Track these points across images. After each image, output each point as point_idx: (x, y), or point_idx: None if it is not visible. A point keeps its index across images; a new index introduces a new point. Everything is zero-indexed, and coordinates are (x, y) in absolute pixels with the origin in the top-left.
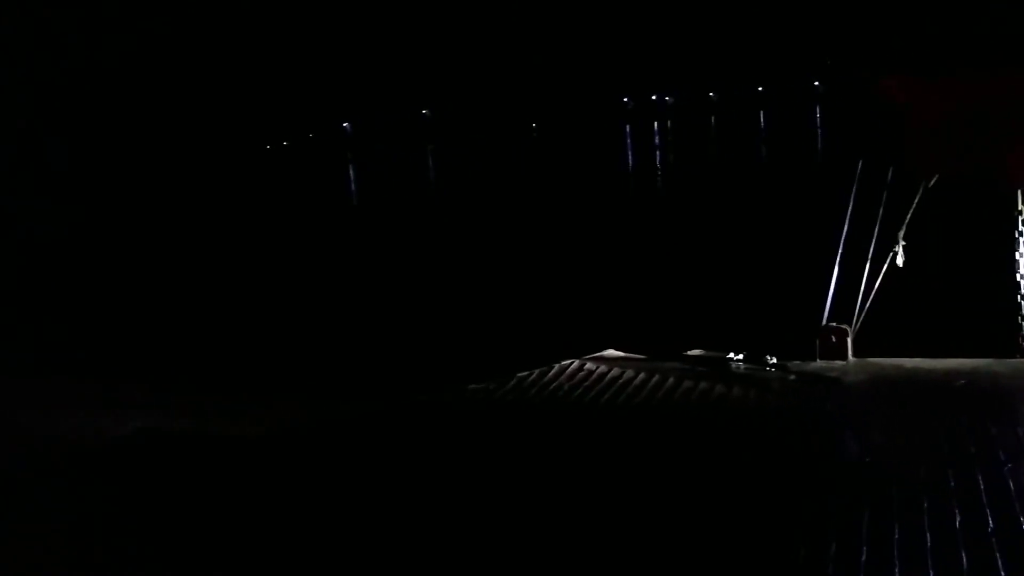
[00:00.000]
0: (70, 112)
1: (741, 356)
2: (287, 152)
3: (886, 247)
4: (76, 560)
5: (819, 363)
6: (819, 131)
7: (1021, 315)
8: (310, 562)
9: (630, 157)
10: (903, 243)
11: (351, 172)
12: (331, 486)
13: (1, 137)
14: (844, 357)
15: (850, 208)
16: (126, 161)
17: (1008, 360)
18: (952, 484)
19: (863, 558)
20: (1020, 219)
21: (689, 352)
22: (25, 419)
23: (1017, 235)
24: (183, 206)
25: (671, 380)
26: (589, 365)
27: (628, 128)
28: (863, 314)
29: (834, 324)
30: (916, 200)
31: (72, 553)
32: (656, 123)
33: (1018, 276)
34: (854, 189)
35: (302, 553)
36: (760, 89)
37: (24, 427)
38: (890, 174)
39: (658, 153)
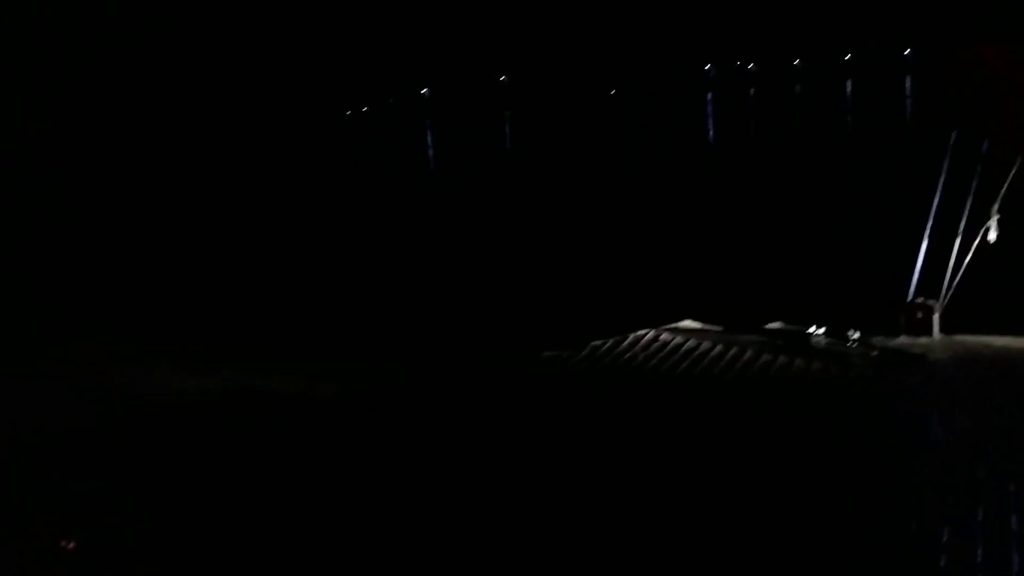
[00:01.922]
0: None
1: (823, 330)
2: (367, 117)
3: (978, 221)
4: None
5: (904, 339)
6: (909, 101)
7: None
8: (379, 521)
9: (712, 126)
10: (997, 217)
11: (429, 138)
12: (402, 450)
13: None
14: (930, 334)
15: (942, 180)
16: (209, 121)
17: None
18: None
19: (944, 539)
20: None
21: (769, 325)
22: (118, 376)
23: None
24: (267, 169)
25: (749, 353)
26: (665, 335)
27: (710, 96)
28: (951, 290)
29: (921, 299)
30: (1012, 173)
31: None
32: (739, 91)
33: None
34: (947, 160)
35: (372, 512)
36: (848, 57)
37: (117, 384)
38: (984, 145)
39: (741, 122)
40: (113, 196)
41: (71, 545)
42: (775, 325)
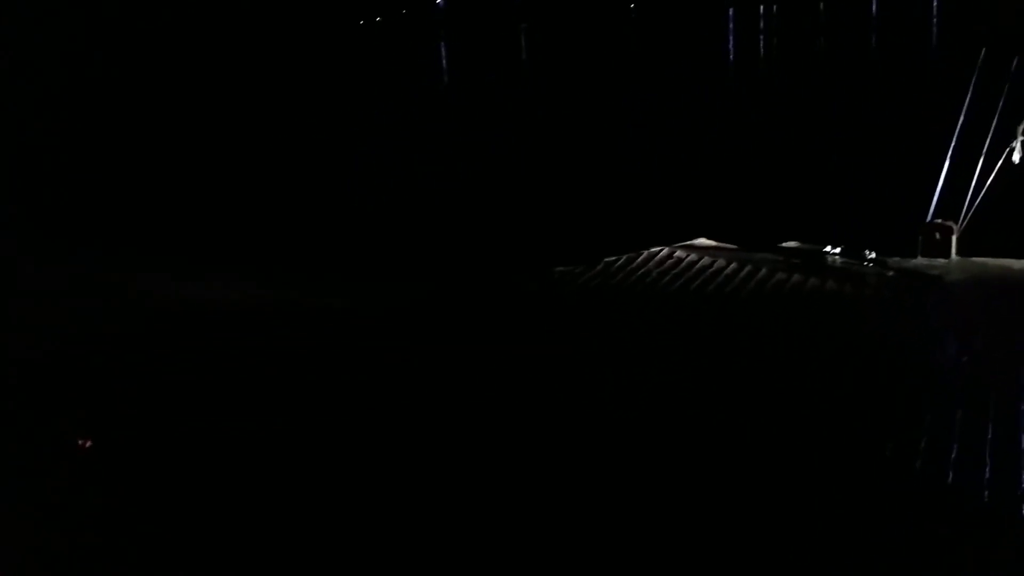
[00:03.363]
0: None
1: (838, 249)
2: (379, 29)
3: (1003, 142)
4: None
5: (921, 260)
6: (936, 19)
7: None
8: (392, 444)
9: (732, 44)
10: (1022, 138)
11: (442, 51)
12: (414, 367)
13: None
14: (947, 255)
15: (967, 99)
16: (220, 40)
17: None
18: None
19: (953, 455)
20: None
21: (784, 244)
22: (145, 284)
23: None
24: (279, 88)
25: (763, 271)
26: (679, 253)
27: (731, 12)
28: (971, 211)
29: (939, 220)
30: None
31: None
32: (761, 7)
33: None
34: (973, 79)
35: (387, 435)
36: None
37: (144, 291)
38: (1014, 64)
39: (762, 39)
40: (129, 117)
41: (87, 443)
42: (790, 244)
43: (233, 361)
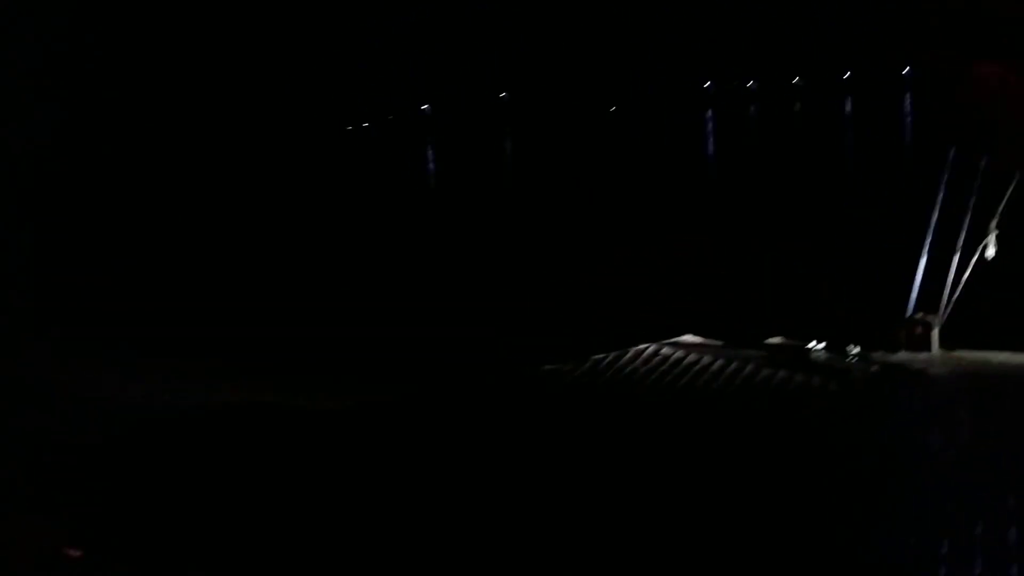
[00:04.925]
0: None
1: (823, 345)
2: (368, 134)
3: (977, 237)
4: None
5: (903, 355)
6: (908, 118)
7: None
8: (381, 527)
9: (711, 142)
10: (995, 233)
11: (430, 154)
12: (403, 462)
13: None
14: (929, 349)
15: (940, 196)
16: (213, 133)
17: None
18: None
19: (944, 551)
20: None
21: (769, 340)
22: (114, 387)
23: None
24: (265, 187)
25: (749, 367)
26: (666, 350)
27: (710, 113)
28: (950, 305)
29: (920, 315)
30: (1010, 190)
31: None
32: (739, 108)
33: None
34: (944, 177)
35: (374, 519)
36: (847, 75)
37: (113, 395)
38: (983, 163)
39: (741, 139)
40: (117, 198)
41: (77, 553)
42: (776, 340)
43: (215, 463)
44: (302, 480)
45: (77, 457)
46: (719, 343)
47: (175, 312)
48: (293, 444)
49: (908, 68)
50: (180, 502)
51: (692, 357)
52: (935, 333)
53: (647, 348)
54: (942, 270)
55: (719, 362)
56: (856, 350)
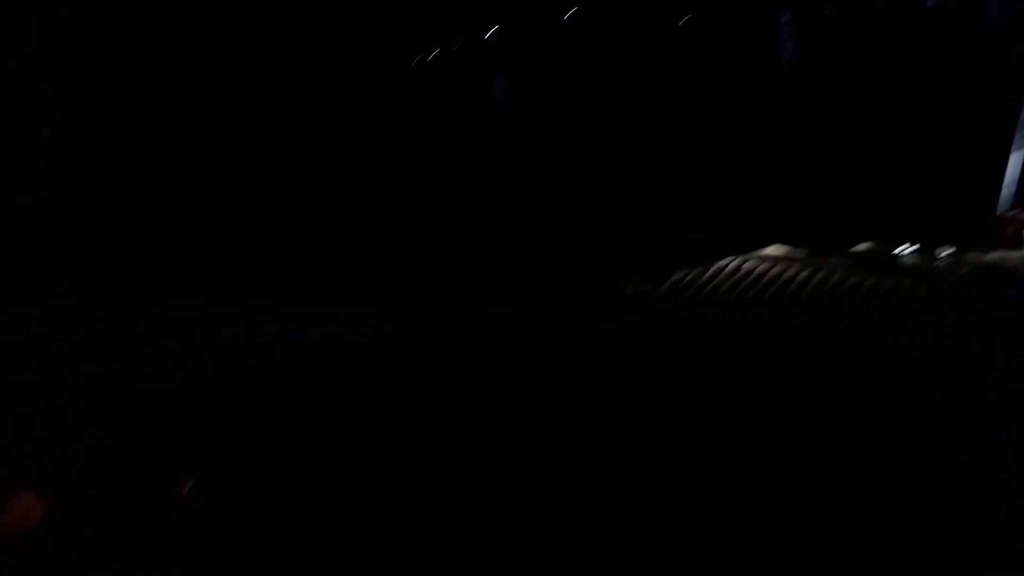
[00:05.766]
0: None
1: (912, 249)
2: (436, 61)
3: None
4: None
5: (997, 254)
6: (993, 9)
7: None
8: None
9: (790, 47)
10: None
11: (496, 79)
12: (489, 389)
13: None
14: (1021, 247)
15: None
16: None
17: None
18: None
19: None
20: None
21: (856, 247)
22: (222, 331)
23: None
24: (340, 118)
25: (836, 276)
26: (749, 263)
27: (787, 17)
28: None
29: (1013, 212)
30: None
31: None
32: (817, 9)
33: None
34: None
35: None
36: None
37: (221, 336)
38: None
39: (821, 41)
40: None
41: (187, 487)
42: (862, 246)
43: (318, 397)
44: (402, 413)
45: (178, 397)
46: (804, 253)
47: (267, 247)
48: (388, 376)
49: None
50: (285, 435)
51: (776, 269)
52: None
53: (729, 263)
54: None
55: (805, 272)
56: (947, 251)
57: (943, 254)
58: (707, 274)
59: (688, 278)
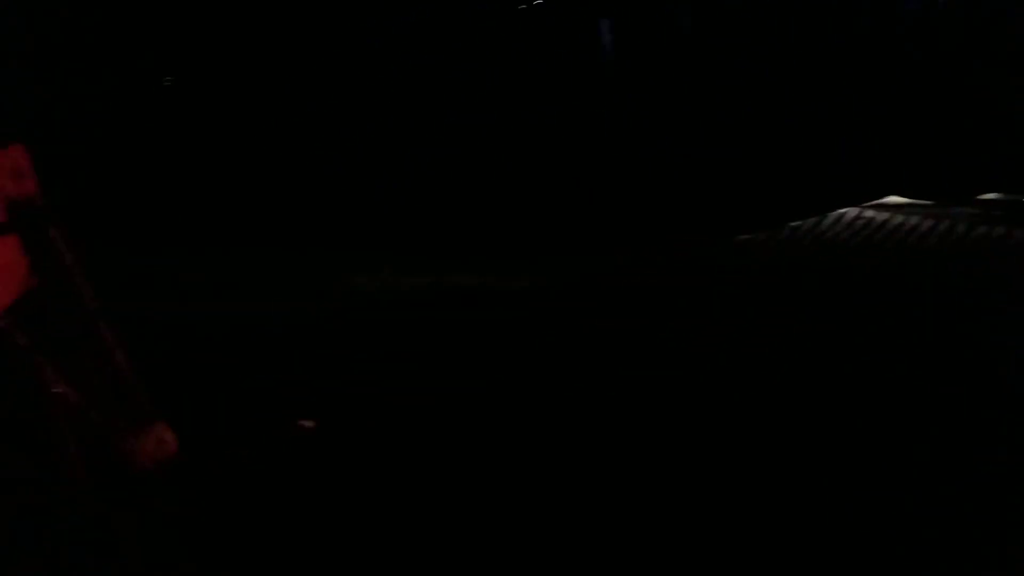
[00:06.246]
0: None
1: None
2: (540, 9)
3: None
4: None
5: None
6: None
7: None
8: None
9: None
10: None
11: (604, 28)
12: (595, 339)
13: None
14: None
15: None
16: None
17: None
18: None
19: None
20: None
21: (983, 195)
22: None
23: None
24: (448, 65)
25: (961, 226)
26: (869, 212)
27: None
28: None
29: None
30: None
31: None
32: None
33: None
34: None
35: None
36: None
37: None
38: None
39: None
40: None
41: (310, 424)
42: (990, 195)
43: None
44: (497, 358)
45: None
46: (928, 202)
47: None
48: (486, 325)
49: None
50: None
51: (898, 219)
52: None
53: (847, 212)
54: None
55: (928, 222)
56: None
57: None
58: (824, 223)
59: (805, 227)
